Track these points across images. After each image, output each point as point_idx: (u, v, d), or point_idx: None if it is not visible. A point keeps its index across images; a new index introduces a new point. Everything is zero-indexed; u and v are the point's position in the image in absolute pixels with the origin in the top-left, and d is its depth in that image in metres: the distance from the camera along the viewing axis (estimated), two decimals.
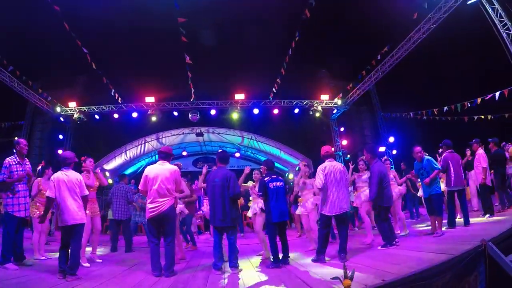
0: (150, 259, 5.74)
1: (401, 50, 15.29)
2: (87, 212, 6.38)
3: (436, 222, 7.24)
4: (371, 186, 6.94)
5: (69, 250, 5.40)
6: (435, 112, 16.33)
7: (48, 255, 7.10)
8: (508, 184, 9.61)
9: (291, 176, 21.17)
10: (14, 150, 6.50)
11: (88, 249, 7.26)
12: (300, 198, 8.20)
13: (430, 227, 7.71)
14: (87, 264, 6.57)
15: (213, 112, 19.20)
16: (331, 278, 4.28)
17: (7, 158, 6.26)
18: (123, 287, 5.00)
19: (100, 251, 7.82)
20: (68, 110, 19.03)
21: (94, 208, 7.21)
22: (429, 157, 7.76)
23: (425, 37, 14.02)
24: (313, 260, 6.15)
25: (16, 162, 6.25)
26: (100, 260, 7.19)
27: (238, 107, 18.83)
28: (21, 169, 6.26)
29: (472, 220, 7.74)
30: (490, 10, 11.59)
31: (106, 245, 9.50)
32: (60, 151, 18.88)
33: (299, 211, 8.20)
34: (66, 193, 5.52)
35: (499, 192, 8.99)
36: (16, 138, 18.11)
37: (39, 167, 7.66)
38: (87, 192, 5.77)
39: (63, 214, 5.44)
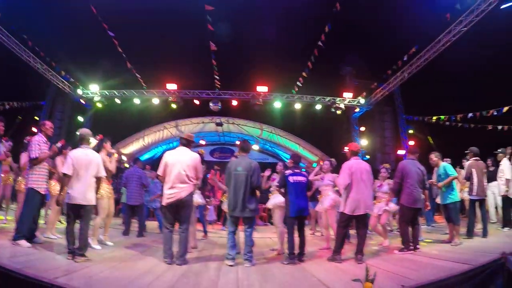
0: (162, 245, 5.69)
1: (429, 52, 14.84)
2: (100, 194, 6.38)
3: (454, 230, 7.15)
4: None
5: (78, 231, 5.35)
6: (458, 118, 15.92)
7: (59, 235, 7.04)
8: None
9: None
10: (39, 131, 6.51)
11: (99, 231, 7.16)
12: (320, 195, 8.08)
13: (447, 235, 7.66)
14: (98, 247, 6.51)
15: (234, 102, 19.06)
16: (352, 280, 4.21)
17: (35, 137, 6.31)
18: (134, 271, 4.90)
19: (111, 234, 7.78)
20: (90, 93, 19.18)
21: (108, 190, 7.17)
22: (446, 164, 7.64)
23: (455, 40, 13.54)
24: (329, 259, 6.05)
25: (44, 141, 6.30)
26: (112, 243, 7.15)
27: (260, 99, 18.65)
28: (47, 148, 6.30)
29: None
30: None
31: (117, 229, 9.48)
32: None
33: (317, 208, 8.04)
34: (82, 171, 5.44)
35: None
36: (36, 118, 18.54)
37: (59, 144, 7.67)
38: (104, 174, 5.68)
39: (72, 191, 5.35)
